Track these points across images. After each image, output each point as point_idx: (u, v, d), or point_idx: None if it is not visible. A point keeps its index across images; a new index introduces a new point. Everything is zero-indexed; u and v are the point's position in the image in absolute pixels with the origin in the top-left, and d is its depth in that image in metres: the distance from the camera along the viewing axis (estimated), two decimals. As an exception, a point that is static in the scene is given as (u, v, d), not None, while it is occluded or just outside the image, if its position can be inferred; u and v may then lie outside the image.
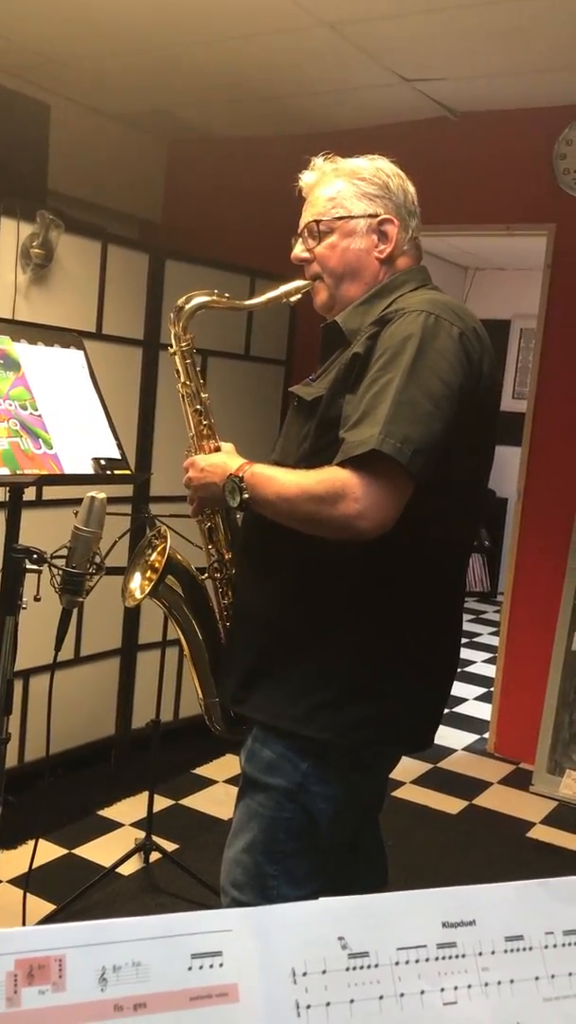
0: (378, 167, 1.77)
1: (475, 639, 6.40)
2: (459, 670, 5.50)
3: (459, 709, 4.91)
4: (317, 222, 1.75)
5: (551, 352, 4.09)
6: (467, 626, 6.75)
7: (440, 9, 3.09)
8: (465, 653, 5.97)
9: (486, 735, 4.41)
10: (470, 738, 4.49)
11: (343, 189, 1.74)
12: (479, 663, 5.80)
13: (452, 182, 4.23)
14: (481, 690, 5.21)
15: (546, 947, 0.69)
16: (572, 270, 4.01)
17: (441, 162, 4.23)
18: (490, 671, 5.22)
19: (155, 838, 3.02)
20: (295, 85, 3.95)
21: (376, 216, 1.73)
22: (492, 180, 4.16)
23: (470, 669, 5.67)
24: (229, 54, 3.64)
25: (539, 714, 3.98)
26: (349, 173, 1.75)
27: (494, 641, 5.62)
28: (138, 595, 1.93)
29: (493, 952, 0.68)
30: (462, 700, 5.05)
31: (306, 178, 1.81)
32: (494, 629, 6.40)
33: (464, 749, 4.35)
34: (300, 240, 1.79)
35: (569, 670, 3.92)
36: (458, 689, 5.19)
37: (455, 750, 4.33)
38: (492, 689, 4.46)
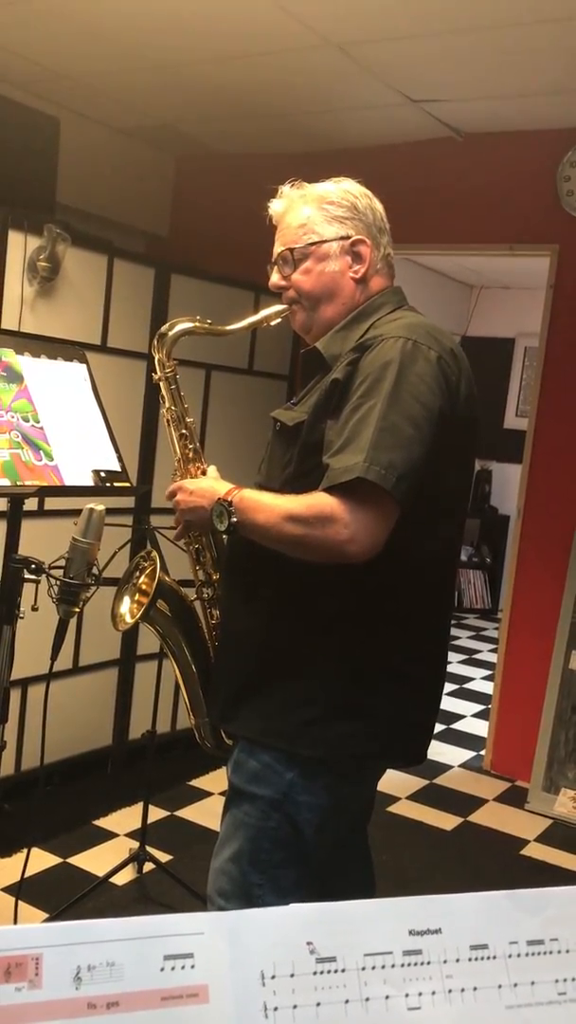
0: (345, 189, 1.79)
1: (474, 656, 6.40)
2: (458, 687, 5.54)
3: (456, 725, 4.91)
4: (291, 250, 1.77)
5: (553, 371, 4.11)
6: (467, 643, 6.76)
7: (446, 32, 3.13)
8: (464, 670, 5.98)
9: (483, 752, 4.42)
10: (467, 755, 4.49)
11: (312, 215, 1.76)
12: (478, 680, 5.80)
13: (457, 201, 4.28)
14: (479, 707, 5.22)
15: (510, 956, 0.71)
16: (574, 290, 4.04)
17: (446, 182, 4.27)
18: (488, 688, 5.22)
19: (149, 849, 3.03)
20: (302, 104, 3.99)
21: (348, 238, 1.76)
22: (496, 200, 4.19)
23: (468, 686, 5.67)
24: (238, 73, 3.69)
25: (536, 732, 3.99)
26: (317, 198, 1.78)
27: (493, 658, 5.62)
28: (128, 619, 1.94)
29: (458, 960, 0.70)
30: (460, 716, 5.05)
31: (275, 206, 1.83)
32: (494, 646, 6.40)
33: (460, 766, 4.36)
34: (275, 268, 1.82)
35: (566, 688, 3.93)
36: (456, 705, 5.20)
37: (451, 766, 4.33)
38: (490, 706, 4.47)
